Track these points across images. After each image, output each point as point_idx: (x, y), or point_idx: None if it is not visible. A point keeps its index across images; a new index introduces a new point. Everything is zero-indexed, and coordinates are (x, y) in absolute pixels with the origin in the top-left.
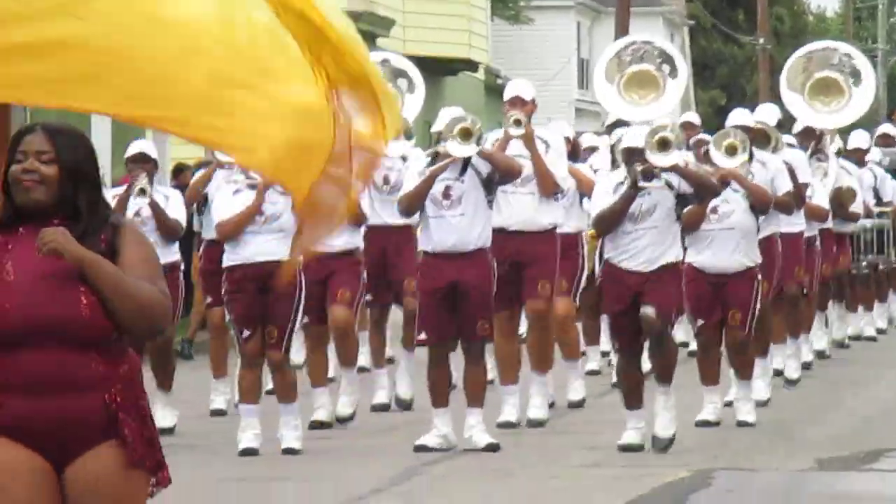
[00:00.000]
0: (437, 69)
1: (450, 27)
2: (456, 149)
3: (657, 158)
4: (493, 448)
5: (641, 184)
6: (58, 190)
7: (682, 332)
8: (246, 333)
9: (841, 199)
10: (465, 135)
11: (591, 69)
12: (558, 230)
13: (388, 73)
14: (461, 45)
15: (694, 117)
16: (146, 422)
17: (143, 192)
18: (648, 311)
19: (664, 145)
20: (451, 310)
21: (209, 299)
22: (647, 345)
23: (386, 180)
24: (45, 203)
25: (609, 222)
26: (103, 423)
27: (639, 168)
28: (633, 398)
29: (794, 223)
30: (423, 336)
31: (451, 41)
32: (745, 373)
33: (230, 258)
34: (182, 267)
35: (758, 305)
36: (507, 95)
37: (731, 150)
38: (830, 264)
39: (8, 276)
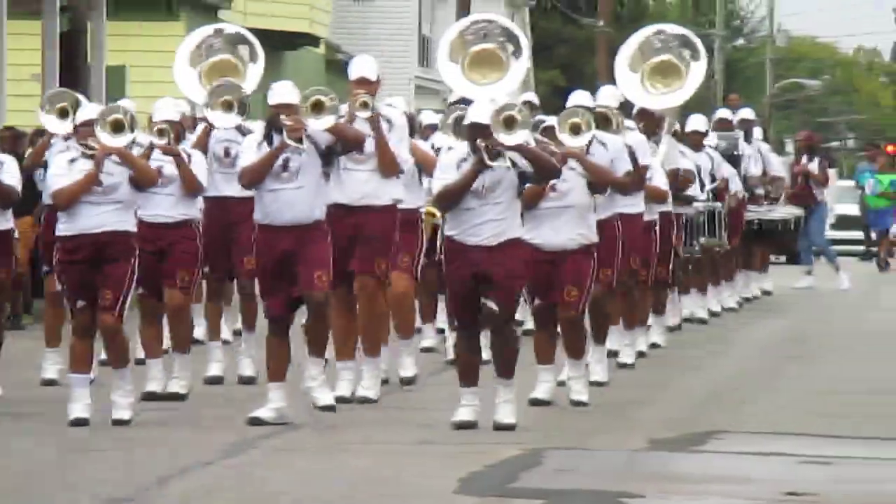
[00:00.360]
0: (277, 43)
1: (291, 1)
2: (313, 122)
3: (504, 137)
4: (330, 409)
5: (487, 162)
6: None
7: (520, 312)
8: (80, 304)
9: (678, 181)
10: (318, 107)
11: (432, 46)
12: (399, 206)
13: (227, 41)
14: (302, 19)
15: (533, 97)
16: None
17: None
18: (491, 305)
19: (510, 124)
20: (289, 281)
21: (45, 267)
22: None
23: (227, 153)
24: None
25: (452, 198)
26: None
27: (483, 145)
28: (469, 376)
29: (634, 204)
30: (266, 309)
31: (292, 15)
32: (577, 352)
33: (65, 228)
34: (16, 234)
35: (592, 284)
36: (352, 75)
37: (575, 130)
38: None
39: None
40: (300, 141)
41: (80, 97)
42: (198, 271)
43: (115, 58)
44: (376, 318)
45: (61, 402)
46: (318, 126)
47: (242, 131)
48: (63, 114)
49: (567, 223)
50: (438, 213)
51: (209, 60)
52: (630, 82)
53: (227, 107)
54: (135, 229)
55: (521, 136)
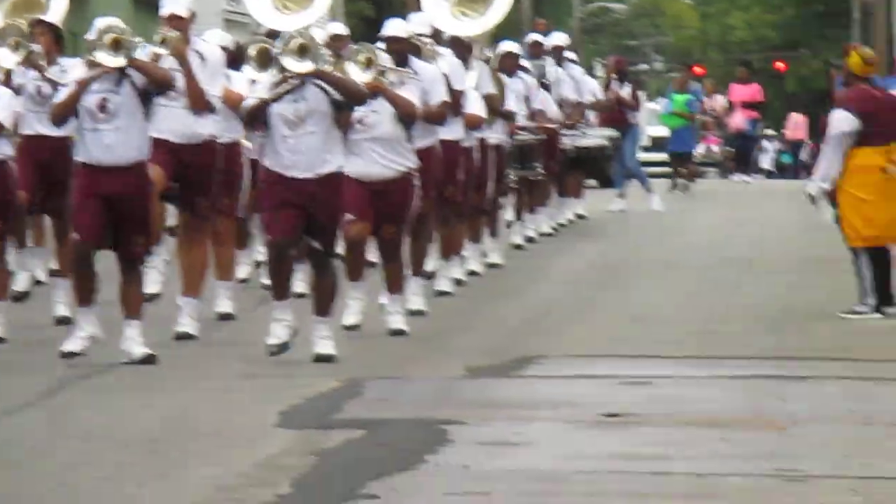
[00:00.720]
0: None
1: None
2: (105, 59)
3: (293, 64)
4: (149, 360)
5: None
6: None
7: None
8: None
9: (491, 105)
10: (116, 46)
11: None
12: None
13: None
14: None
15: (342, 28)
16: None
17: None
18: (314, 244)
19: (302, 51)
20: (104, 216)
21: None
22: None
23: (39, 91)
24: None
25: (251, 115)
26: None
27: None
28: (284, 291)
29: (452, 132)
30: (75, 236)
31: None
32: (396, 284)
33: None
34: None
35: (409, 214)
36: (163, 12)
37: (368, 63)
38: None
39: None
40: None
41: None
42: (11, 210)
43: None
44: (199, 260)
45: None
46: (113, 63)
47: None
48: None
49: (380, 155)
50: (249, 143)
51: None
52: (438, 10)
53: (16, 46)
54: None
55: (310, 65)
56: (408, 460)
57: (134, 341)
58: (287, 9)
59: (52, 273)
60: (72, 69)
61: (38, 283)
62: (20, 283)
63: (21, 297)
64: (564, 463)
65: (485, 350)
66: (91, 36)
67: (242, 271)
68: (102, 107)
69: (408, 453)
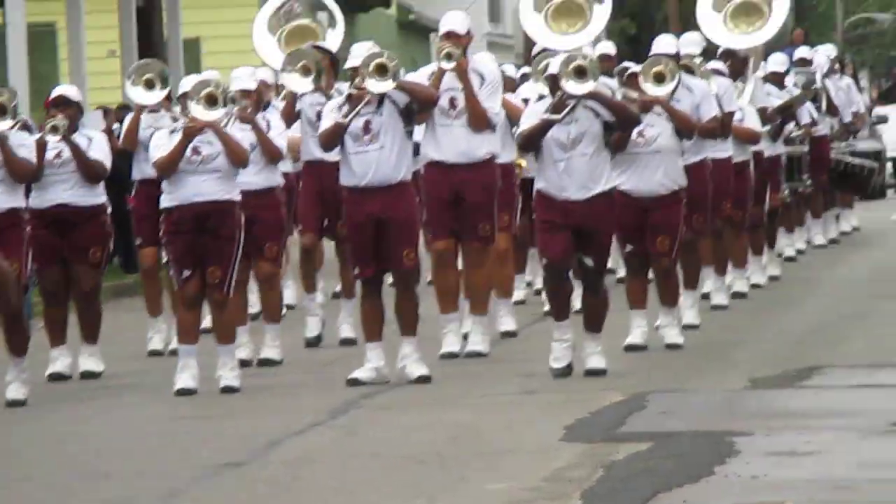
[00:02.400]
0: (349, 5)
1: None
2: (374, 85)
3: (572, 86)
4: (425, 379)
5: (551, 117)
6: None
7: (611, 259)
8: (185, 274)
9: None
10: (382, 70)
11: (502, 3)
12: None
13: (307, 6)
14: None
15: (610, 47)
16: None
17: (55, 129)
18: (587, 261)
19: (580, 73)
20: (377, 243)
21: (139, 240)
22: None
23: (318, 116)
24: None
25: (528, 141)
26: None
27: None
28: (563, 311)
29: (722, 149)
30: (357, 271)
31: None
32: (671, 298)
33: (168, 199)
34: (109, 209)
35: (682, 230)
36: (441, 29)
37: (659, 78)
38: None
39: None
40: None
41: (165, 67)
42: (284, 240)
43: (190, 30)
44: (483, 280)
45: (166, 374)
46: (378, 89)
47: (328, 96)
48: (149, 85)
49: (656, 169)
50: (524, 163)
51: (289, 26)
52: (713, 23)
53: (305, 72)
54: (238, 198)
55: (590, 85)
56: (696, 471)
57: (411, 359)
58: (564, 27)
59: (335, 295)
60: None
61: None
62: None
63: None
64: (857, 471)
65: (767, 361)
66: (355, 63)
67: (519, 292)
68: (366, 129)
69: (696, 465)
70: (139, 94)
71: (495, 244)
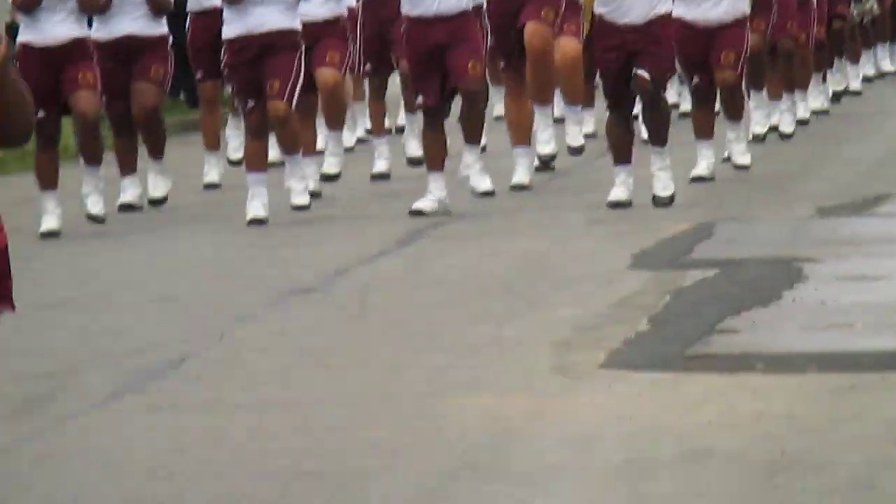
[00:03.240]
0: None
1: None
2: None
3: None
4: (489, 194)
5: None
6: None
7: (673, 92)
8: (250, 104)
9: None
10: None
11: None
12: None
13: None
14: None
15: None
16: None
17: None
18: (642, 73)
19: None
20: (441, 71)
21: (200, 73)
22: (640, 109)
23: None
24: None
25: None
26: None
27: None
28: (623, 153)
29: None
30: (420, 100)
31: None
32: (736, 113)
33: (230, 30)
34: (171, 41)
35: (748, 47)
36: None
37: None
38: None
39: None
40: None
41: None
42: (349, 57)
43: None
44: (546, 69)
45: (230, 205)
46: None
47: None
48: None
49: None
50: None
51: None
52: None
53: None
54: (299, 27)
55: None
56: (764, 296)
57: (475, 169)
58: None
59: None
60: None
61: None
62: None
63: None
64: None
65: (834, 190)
66: None
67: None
68: None
69: (764, 290)
70: None
71: (562, 49)
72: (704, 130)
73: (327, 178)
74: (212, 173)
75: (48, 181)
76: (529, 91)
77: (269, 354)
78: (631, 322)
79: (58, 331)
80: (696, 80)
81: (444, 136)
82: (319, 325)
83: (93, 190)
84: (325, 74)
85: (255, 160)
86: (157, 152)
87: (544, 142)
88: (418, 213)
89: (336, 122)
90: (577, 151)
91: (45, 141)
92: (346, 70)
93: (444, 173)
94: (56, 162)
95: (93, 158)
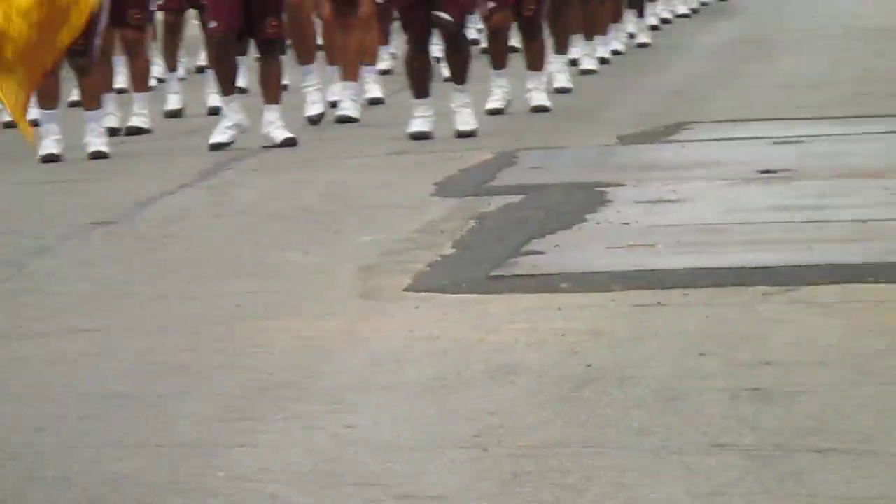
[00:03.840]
0: None
1: None
2: None
3: None
4: (291, 142)
5: None
6: None
7: (473, 30)
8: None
9: None
10: None
11: None
12: None
13: None
14: None
15: None
16: None
17: None
18: (442, 15)
19: None
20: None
21: None
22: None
23: None
24: None
25: None
26: None
27: None
28: (422, 87)
29: None
30: (212, 24)
31: None
32: (537, 63)
33: None
34: None
35: None
36: None
37: None
38: None
39: None
40: None
41: None
42: (149, 7)
43: None
44: (353, 46)
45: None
46: None
47: None
48: None
49: None
50: None
51: None
52: None
53: None
54: None
55: None
56: (568, 220)
57: (275, 125)
58: None
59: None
60: None
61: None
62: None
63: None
64: (724, 216)
65: (635, 120)
66: None
67: (384, 62)
68: None
69: (568, 214)
70: None
71: (361, 9)
72: (498, 61)
73: (137, 132)
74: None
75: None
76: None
77: (69, 284)
78: (435, 247)
79: None
80: (491, 5)
81: (237, 62)
82: (120, 256)
83: None
84: (128, 36)
85: (47, 95)
86: None
87: (347, 108)
88: (218, 147)
89: (142, 83)
90: (377, 102)
91: None
92: (146, 25)
93: (236, 96)
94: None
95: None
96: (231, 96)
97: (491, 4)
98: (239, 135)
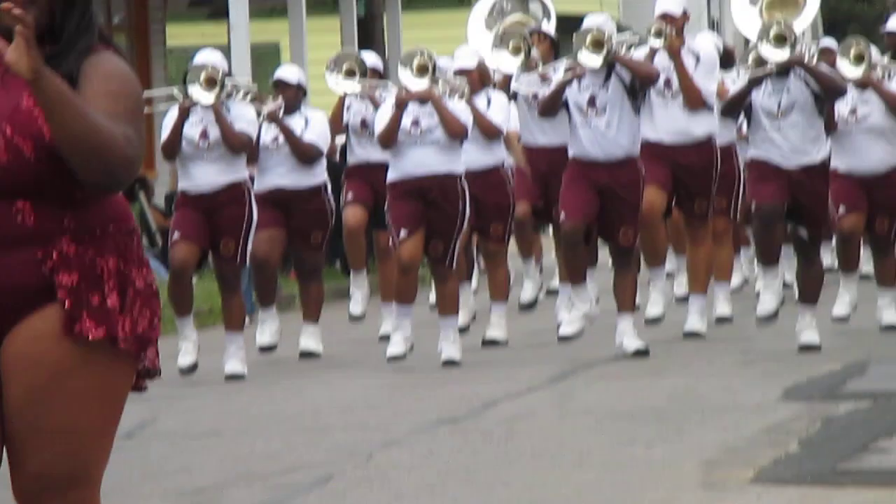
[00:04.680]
0: (568, 27)
1: None
2: (587, 58)
3: (770, 51)
4: (643, 353)
5: (756, 74)
6: (48, 11)
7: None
8: (403, 234)
9: None
10: (597, 44)
11: (721, 26)
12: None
13: (516, 1)
14: (591, 2)
15: (832, 42)
16: (110, 286)
17: (270, 116)
18: (801, 232)
19: (780, 40)
20: (595, 198)
21: (349, 195)
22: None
23: (535, 97)
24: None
25: (732, 104)
26: (39, 286)
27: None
28: (774, 255)
29: None
30: (563, 216)
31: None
32: (888, 279)
33: (392, 174)
34: (328, 187)
35: None
36: (657, 10)
37: (859, 59)
38: None
39: None
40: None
41: (364, 57)
42: (510, 219)
43: (411, 40)
44: (702, 258)
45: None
46: (591, 62)
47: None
48: (350, 73)
49: (872, 147)
50: None
51: (504, 22)
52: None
53: (516, 51)
54: (460, 171)
55: (788, 52)
56: None
57: (628, 334)
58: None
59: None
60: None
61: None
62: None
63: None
64: None
65: None
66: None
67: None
68: (591, 103)
69: None
70: (339, 83)
71: (714, 226)
72: (849, 264)
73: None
74: (356, 296)
75: (182, 308)
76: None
77: (414, 474)
78: (781, 444)
79: (208, 455)
80: (842, 211)
81: (586, 253)
82: (466, 448)
83: (234, 355)
84: (489, 247)
85: (403, 293)
86: (313, 316)
87: (694, 322)
88: (565, 339)
89: (501, 293)
90: (726, 320)
91: (175, 266)
92: (509, 235)
93: (587, 285)
94: (187, 288)
95: (235, 325)
96: (582, 284)
97: (841, 209)
98: (588, 325)
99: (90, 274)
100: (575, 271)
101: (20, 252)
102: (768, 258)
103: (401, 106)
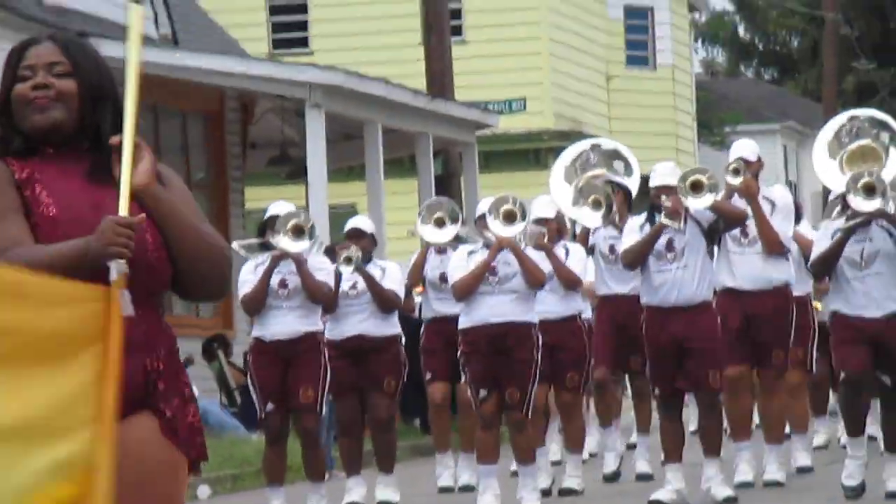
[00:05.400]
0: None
1: (656, 145)
2: (692, 202)
3: (860, 203)
4: (731, 500)
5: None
6: (79, 108)
7: None
8: (482, 393)
9: None
10: (697, 187)
11: (799, 191)
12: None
13: (602, 156)
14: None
15: None
16: (187, 400)
17: (348, 260)
18: (885, 379)
19: (869, 190)
20: (678, 365)
21: (429, 374)
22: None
23: (612, 250)
24: (65, 124)
25: (825, 262)
26: (140, 392)
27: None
28: (858, 426)
29: None
30: (656, 391)
31: (659, 158)
32: None
33: (465, 320)
34: (403, 340)
35: None
36: (731, 157)
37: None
38: None
39: (49, 211)
40: (678, 221)
41: (455, 206)
42: (586, 369)
43: (488, 194)
44: (777, 409)
45: None
46: (698, 205)
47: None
48: (440, 223)
49: None
50: (820, 306)
51: (584, 176)
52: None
53: (596, 205)
54: (535, 320)
55: (878, 203)
56: None
57: (716, 480)
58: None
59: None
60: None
61: None
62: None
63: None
64: None
65: None
66: (660, 181)
67: (821, 435)
68: (670, 247)
69: None
70: (428, 233)
71: (788, 377)
72: None
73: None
74: (445, 475)
75: (275, 476)
76: (763, 429)
77: None
78: None
79: None
80: None
81: (683, 426)
82: None
83: None
84: (564, 397)
85: (486, 452)
86: (388, 466)
87: (773, 472)
88: None
89: (578, 443)
90: (805, 470)
91: (272, 435)
92: (585, 386)
93: (681, 464)
94: (283, 457)
95: (315, 475)
96: (676, 463)
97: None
98: (679, 502)
99: (180, 388)
100: (674, 447)
101: (131, 357)
102: (856, 429)
103: (494, 255)
